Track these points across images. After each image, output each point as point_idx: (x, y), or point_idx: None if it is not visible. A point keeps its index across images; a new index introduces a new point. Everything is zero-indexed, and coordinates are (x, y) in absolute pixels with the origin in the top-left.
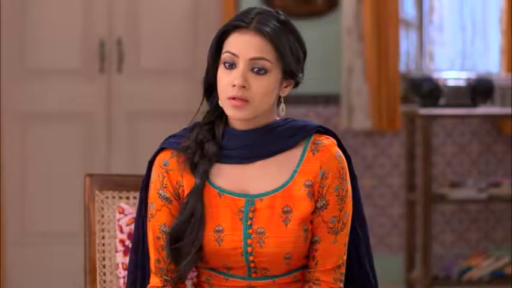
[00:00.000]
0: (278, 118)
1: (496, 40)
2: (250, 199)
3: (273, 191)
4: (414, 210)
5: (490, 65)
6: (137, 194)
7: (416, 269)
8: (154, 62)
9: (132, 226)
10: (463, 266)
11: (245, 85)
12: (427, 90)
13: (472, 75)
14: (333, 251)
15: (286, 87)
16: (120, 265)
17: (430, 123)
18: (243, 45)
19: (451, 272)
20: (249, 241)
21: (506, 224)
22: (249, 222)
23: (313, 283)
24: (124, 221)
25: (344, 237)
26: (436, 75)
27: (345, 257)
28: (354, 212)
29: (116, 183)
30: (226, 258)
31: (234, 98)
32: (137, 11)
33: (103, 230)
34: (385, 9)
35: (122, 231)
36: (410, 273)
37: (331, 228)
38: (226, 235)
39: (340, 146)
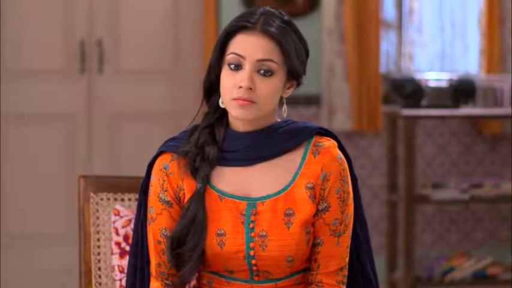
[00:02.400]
0: (279, 119)
1: (475, 41)
2: (252, 202)
3: (275, 194)
4: (396, 211)
5: (469, 66)
6: (132, 196)
7: (398, 269)
8: (135, 63)
9: (128, 228)
10: (445, 266)
11: (252, 87)
12: (409, 91)
13: (451, 76)
14: (335, 253)
15: (289, 88)
16: (116, 267)
17: (413, 124)
18: (249, 46)
19: (433, 273)
20: (251, 244)
21: (487, 225)
22: (251, 226)
23: (316, 285)
24: (120, 223)
25: (346, 239)
26: (415, 76)
27: (347, 259)
28: (354, 214)
29: (111, 185)
30: (228, 262)
31: (239, 99)
32: (118, 11)
33: (98, 232)
34: (366, 10)
35: (117, 233)
36: (393, 274)
37: (333, 230)
38: (228, 238)
39: (341, 147)
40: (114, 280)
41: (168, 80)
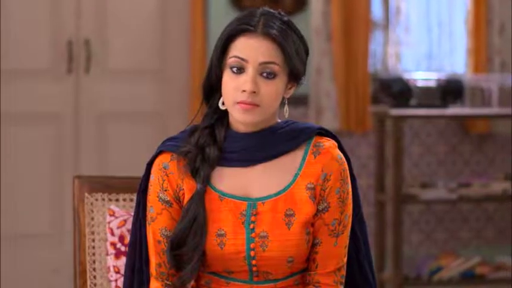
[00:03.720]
0: (279, 120)
1: (462, 41)
2: (252, 203)
3: (275, 194)
4: (384, 210)
5: (456, 65)
6: (127, 196)
7: (386, 269)
8: (123, 63)
9: (123, 229)
10: (433, 266)
11: (255, 90)
12: (397, 90)
13: (439, 76)
14: (334, 253)
15: (290, 88)
16: (112, 268)
17: (401, 124)
18: (251, 49)
19: (422, 272)
20: (251, 245)
21: (473, 224)
22: (251, 226)
23: (314, 286)
24: (115, 223)
25: (345, 239)
26: (403, 76)
27: (345, 259)
28: (353, 214)
29: (105, 185)
30: (229, 262)
31: (243, 103)
32: (105, 11)
33: (93, 233)
34: (354, 9)
35: (112, 233)
36: (381, 273)
37: (332, 230)
38: (229, 239)
39: (340, 147)
40: (110, 281)
41: (156, 80)
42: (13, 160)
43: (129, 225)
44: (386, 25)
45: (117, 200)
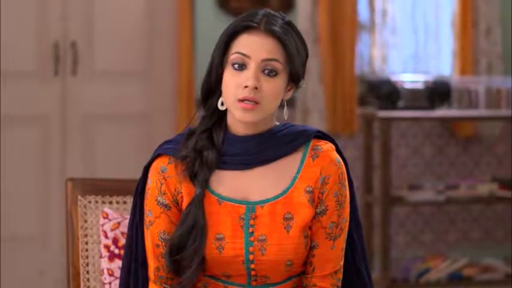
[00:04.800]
0: (277, 123)
1: (448, 43)
2: (251, 206)
3: (274, 198)
4: (371, 212)
5: (442, 67)
6: (120, 199)
7: (374, 271)
8: (109, 64)
9: (117, 231)
10: (421, 267)
11: (257, 86)
12: (385, 92)
13: (425, 78)
14: (331, 256)
15: (289, 90)
16: (106, 271)
17: (389, 126)
18: (254, 46)
19: (409, 274)
20: (250, 249)
21: (460, 226)
22: (250, 230)
23: None
24: (108, 226)
25: (341, 242)
26: (390, 78)
27: (342, 263)
28: (350, 217)
29: (99, 188)
30: (227, 266)
31: (244, 100)
32: (92, 13)
33: (86, 236)
34: (341, 11)
35: (106, 236)
36: None
37: (329, 234)
38: (228, 243)
39: (338, 150)
40: (103, 284)
41: (142, 81)
42: None
43: (122, 228)
44: (372, 27)
45: (110, 202)
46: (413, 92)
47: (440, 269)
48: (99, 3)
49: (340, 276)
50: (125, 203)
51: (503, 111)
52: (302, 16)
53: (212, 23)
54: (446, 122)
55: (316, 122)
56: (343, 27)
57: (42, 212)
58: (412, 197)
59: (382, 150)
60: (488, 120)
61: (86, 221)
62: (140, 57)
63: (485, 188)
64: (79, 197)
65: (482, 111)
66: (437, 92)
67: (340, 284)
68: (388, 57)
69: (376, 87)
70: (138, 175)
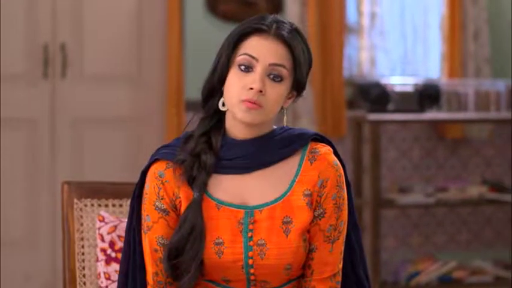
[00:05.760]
0: (275, 127)
1: (436, 46)
2: (250, 211)
3: (273, 202)
4: (361, 215)
5: (431, 70)
6: (116, 202)
7: None
8: (99, 68)
9: (114, 234)
10: (410, 270)
11: (262, 90)
12: (375, 95)
13: (413, 81)
14: (329, 259)
15: (290, 98)
16: (102, 274)
17: (379, 129)
18: (263, 49)
19: (399, 277)
20: (250, 253)
21: (448, 229)
22: (249, 234)
23: None
24: (105, 229)
25: (340, 245)
26: (380, 81)
27: (340, 265)
28: (348, 220)
29: (95, 191)
30: (226, 271)
31: (248, 101)
32: (81, 15)
33: (82, 239)
34: (330, 14)
35: (103, 240)
36: None
37: (328, 237)
38: (227, 247)
39: (335, 153)
40: (100, 287)
41: (132, 85)
42: None
43: (119, 231)
44: (361, 30)
45: (106, 205)
46: (403, 95)
47: (430, 272)
48: (88, 6)
49: (339, 279)
50: (120, 206)
51: (492, 114)
52: (290, 19)
53: (201, 27)
54: (431, 125)
55: (305, 126)
56: (331, 30)
57: (30, 216)
58: (402, 200)
59: (372, 153)
60: (478, 123)
61: (82, 224)
62: (129, 60)
63: (475, 191)
64: (75, 200)
65: (471, 114)
66: (427, 95)
67: (339, 286)
68: (376, 60)
69: (366, 90)
70: (127, 178)
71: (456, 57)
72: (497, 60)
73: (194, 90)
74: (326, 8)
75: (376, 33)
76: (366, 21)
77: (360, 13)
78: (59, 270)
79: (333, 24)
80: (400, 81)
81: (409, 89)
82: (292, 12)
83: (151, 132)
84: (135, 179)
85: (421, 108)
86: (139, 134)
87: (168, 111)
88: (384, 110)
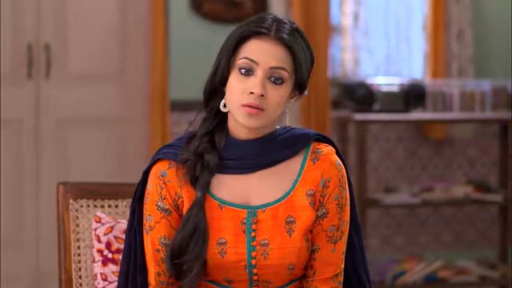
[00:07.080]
0: (278, 127)
1: (420, 46)
2: (252, 211)
3: (275, 202)
4: None
5: (414, 70)
6: (112, 203)
7: None
8: (83, 67)
9: (110, 235)
10: (396, 270)
11: (263, 93)
12: (361, 95)
13: (397, 81)
14: (331, 259)
15: (292, 97)
16: (99, 275)
17: (365, 129)
18: (263, 52)
19: (385, 277)
20: (253, 253)
21: (433, 228)
22: (252, 234)
23: None
24: (101, 230)
25: (342, 245)
26: (365, 81)
27: (342, 266)
28: (350, 220)
29: (90, 192)
30: (229, 271)
31: (249, 106)
32: (65, 15)
33: (78, 240)
34: (314, 14)
35: (99, 240)
36: None
37: (330, 237)
38: (230, 247)
39: (337, 153)
40: None
41: (116, 84)
42: None
43: (116, 232)
44: (344, 30)
45: (102, 206)
46: (389, 95)
47: (416, 271)
48: (72, 6)
49: (341, 279)
50: (116, 206)
51: (477, 114)
52: None
53: (186, 26)
54: (415, 125)
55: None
56: (316, 30)
57: (15, 216)
58: (387, 200)
59: (358, 153)
60: (463, 123)
61: (78, 225)
62: (114, 60)
63: (460, 191)
64: (71, 201)
65: (456, 114)
66: (413, 95)
67: (341, 286)
68: (360, 60)
69: (351, 90)
70: (112, 178)
71: (440, 57)
72: (481, 60)
73: (178, 90)
74: (311, 9)
75: (359, 34)
76: (349, 21)
77: (343, 13)
78: (43, 271)
79: (318, 25)
80: (384, 82)
81: (395, 89)
82: (277, 12)
83: (135, 132)
84: (120, 178)
85: (406, 108)
86: (124, 134)
87: (153, 110)
88: (369, 110)
